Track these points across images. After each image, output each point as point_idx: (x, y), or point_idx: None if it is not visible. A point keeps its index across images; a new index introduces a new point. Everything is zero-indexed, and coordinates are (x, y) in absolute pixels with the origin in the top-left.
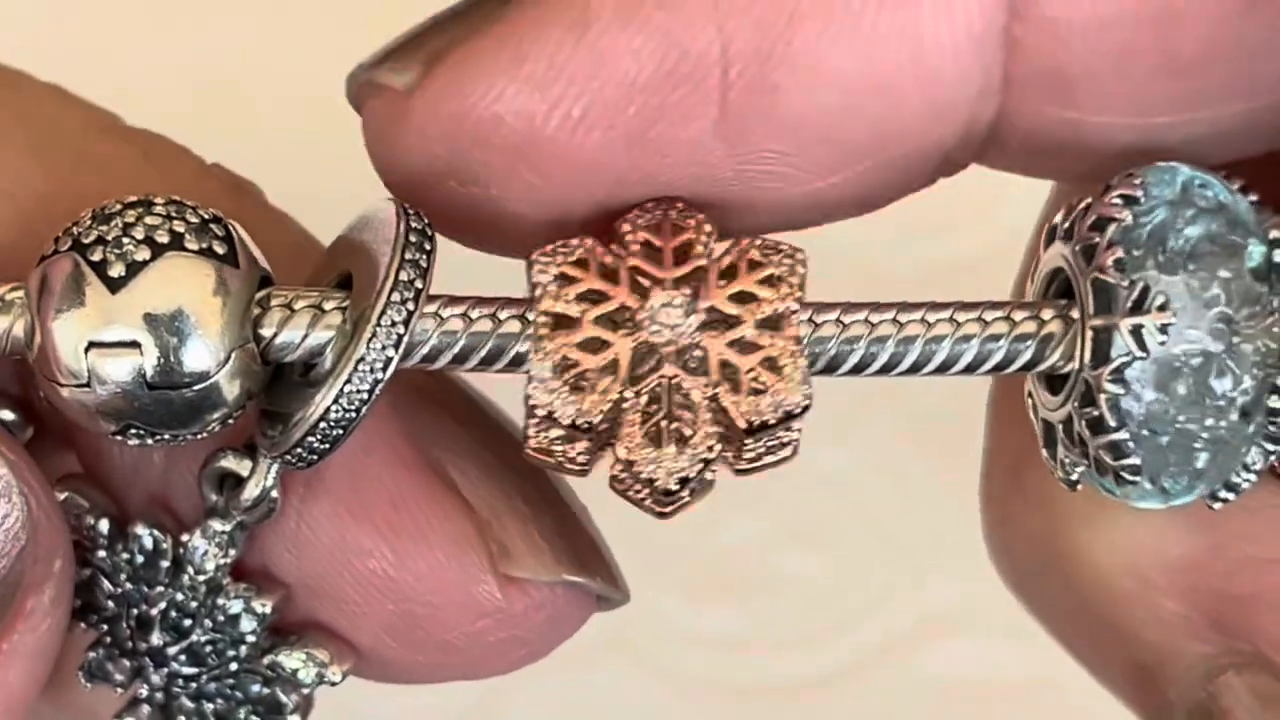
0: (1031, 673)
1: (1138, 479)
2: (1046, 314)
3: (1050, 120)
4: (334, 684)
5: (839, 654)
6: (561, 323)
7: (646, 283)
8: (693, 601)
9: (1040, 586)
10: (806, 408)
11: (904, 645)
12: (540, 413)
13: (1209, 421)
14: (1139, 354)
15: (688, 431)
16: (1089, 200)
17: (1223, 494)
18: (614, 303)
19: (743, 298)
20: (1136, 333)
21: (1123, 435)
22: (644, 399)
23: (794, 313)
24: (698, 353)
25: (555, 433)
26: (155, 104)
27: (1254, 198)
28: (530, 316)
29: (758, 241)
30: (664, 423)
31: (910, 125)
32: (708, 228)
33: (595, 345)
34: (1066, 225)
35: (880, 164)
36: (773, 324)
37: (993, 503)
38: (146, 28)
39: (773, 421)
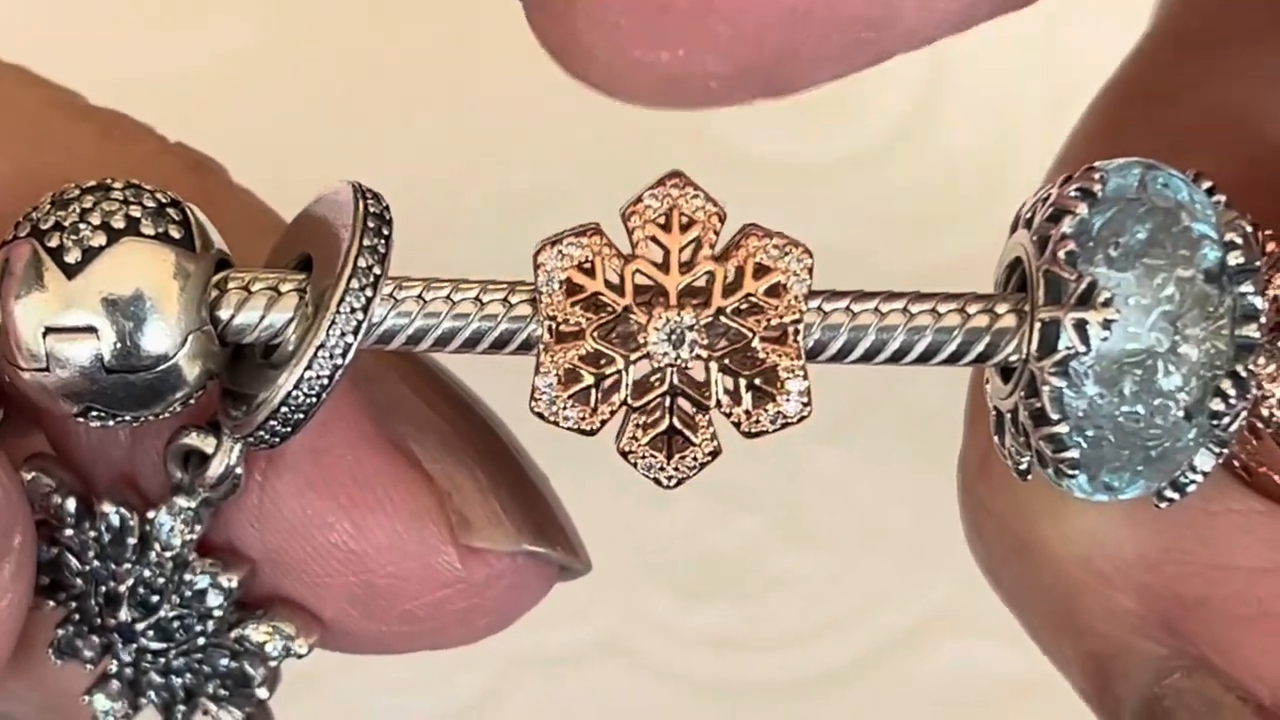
0: (1031, 673)
1: (1076, 473)
2: (1001, 308)
3: None
4: (300, 656)
5: (839, 654)
6: (565, 334)
7: (651, 293)
8: (692, 601)
9: (1008, 573)
10: (804, 418)
11: (904, 645)
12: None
13: (1152, 420)
14: (1080, 348)
15: (690, 439)
16: (1050, 190)
17: (1169, 493)
18: (618, 314)
19: (748, 309)
20: (1080, 327)
21: (1063, 429)
22: (647, 414)
23: (797, 324)
24: (701, 367)
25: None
26: (155, 104)
27: (1220, 199)
28: (511, 296)
29: (766, 241)
30: (666, 436)
31: None
32: (717, 221)
33: (599, 359)
34: (1028, 214)
35: None
36: (777, 338)
37: (966, 488)
38: (147, 28)
39: (772, 430)
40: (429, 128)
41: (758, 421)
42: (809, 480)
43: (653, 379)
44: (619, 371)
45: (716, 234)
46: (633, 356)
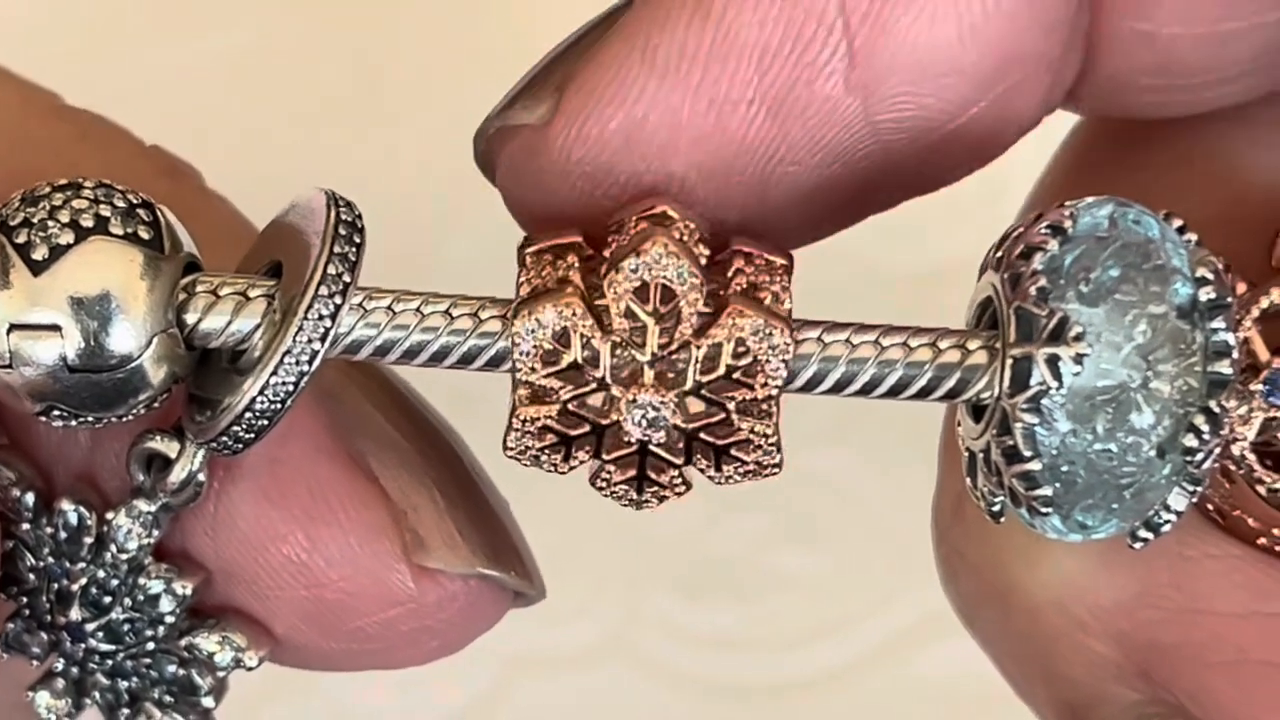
0: None
1: (1049, 511)
2: (973, 344)
3: (1129, 35)
4: (250, 669)
5: (839, 654)
6: (539, 396)
7: (627, 372)
8: (693, 601)
9: (982, 618)
10: (774, 474)
11: (904, 645)
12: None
13: (1125, 457)
14: (1052, 384)
15: (660, 482)
16: (1021, 228)
17: (1143, 533)
18: (592, 386)
19: (724, 386)
20: (1052, 362)
21: (1035, 465)
22: (619, 465)
23: (773, 400)
24: (675, 436)
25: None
26: (155, 104)
27: (1192, 237)
28: (474, 315)
29: (746, 321)
30: (636, 480)
31: (1025, 44)
32: (695, 295)
33: (573, 422)
34: (998, 253)
35: (1002, 95)
36: (752, 411)
37: (940, 534)
38: (147, 28)
39: (740, 481)
40: (429, 128)
41: (729, 477)
42: (810, 480)
43: (625, 445)
44: (591, 434)
45: (695, 304)
46: (604, 422)
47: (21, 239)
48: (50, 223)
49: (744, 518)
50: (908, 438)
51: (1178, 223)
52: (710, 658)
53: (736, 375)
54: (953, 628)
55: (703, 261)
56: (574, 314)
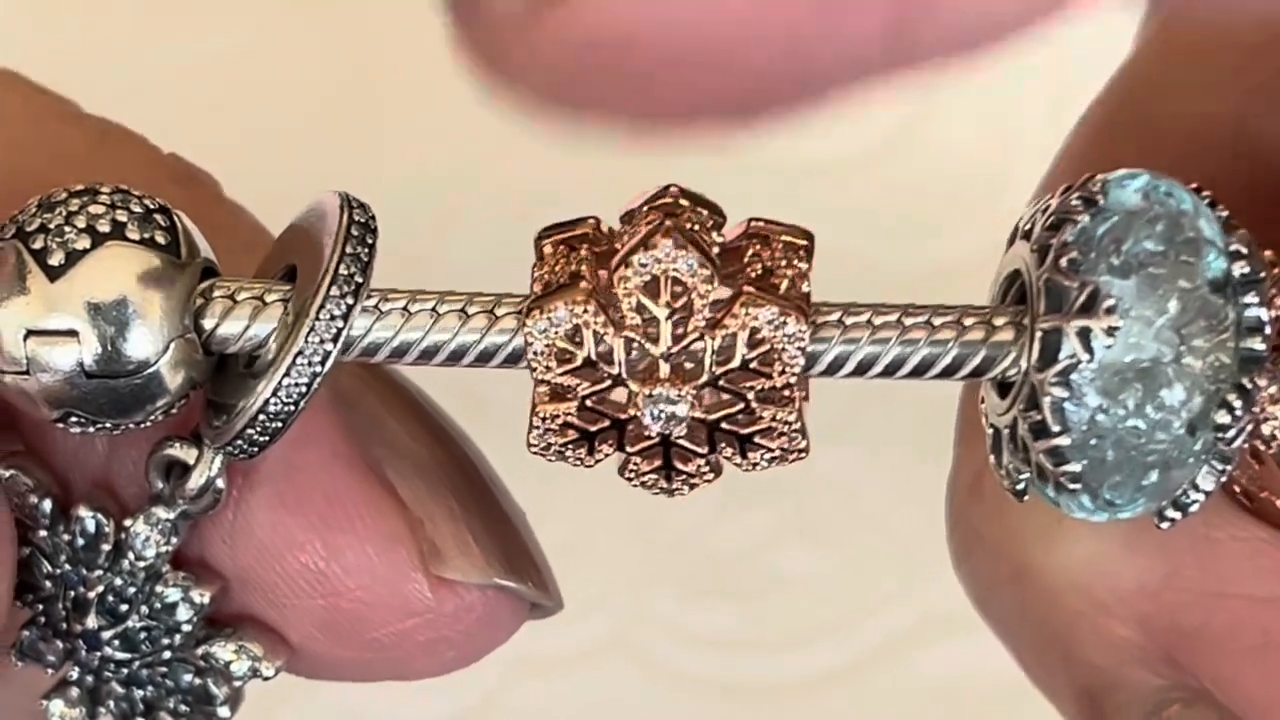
0: None
1: (1077, 487)
2: (999, 320)
3: None
4: (266, 678)
5: (839, 654)
6: (558, 393)
7: (642, 366)
8: (692, 601)
9: (998, 601)
10: (801, 459)
11: (904, 645)
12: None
13: (1154, 434)
14: (1083, 356)
15: (687, 470)
16: (1050, 200)
17: (1170, 512)
18: (608, 383)
19: (742, 376)
20: (1084, 335)
21: (1064, 440)
22: (643, 460)
23: (791, 387)
24: (695, 426)
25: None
26: (155, 104)
27: (1223, 212)
28: (485, 305)
29: (759, 310)
30: (663, 469)
31: None
32: (706, 287)
33: (593, 417)
34: (1027, 225)
35: None
36: (772, 399)
37: (955, 515)
38: (147, 28)
39: (768, 468)
40: (429, 128)
41: (756, 464)
42: (812, 481)
43: (645, 438)
44: (613, 428)
45: (707, 296)
46: (623, 416)
47: (38, 245)
48: (67, 228)
49: (745, 517)
50: (910, 436)
51: (1207, 196)
52: (711, 658)
53: (753, 365)
54: (953, 628)
55: (715, 250)
56: (585, 310)
